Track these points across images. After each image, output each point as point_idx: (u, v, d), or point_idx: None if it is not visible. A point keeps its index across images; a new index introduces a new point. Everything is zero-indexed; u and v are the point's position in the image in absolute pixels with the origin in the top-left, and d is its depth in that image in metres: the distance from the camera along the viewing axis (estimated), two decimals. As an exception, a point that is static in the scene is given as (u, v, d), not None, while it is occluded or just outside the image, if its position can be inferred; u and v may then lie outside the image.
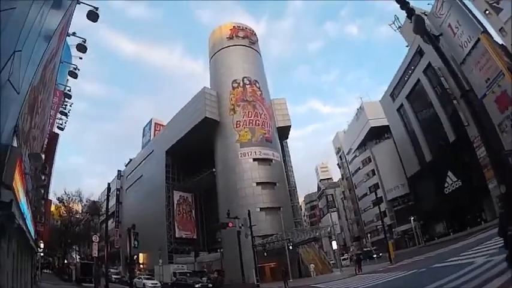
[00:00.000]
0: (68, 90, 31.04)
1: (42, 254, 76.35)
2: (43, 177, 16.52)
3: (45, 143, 26.93)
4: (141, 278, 45.56)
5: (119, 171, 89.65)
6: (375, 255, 54.48)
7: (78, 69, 27.64)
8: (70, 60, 28.29)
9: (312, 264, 44.33)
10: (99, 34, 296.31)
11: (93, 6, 18.68)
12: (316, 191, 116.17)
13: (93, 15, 18.72)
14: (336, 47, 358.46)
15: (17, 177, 8.45)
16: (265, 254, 42.63)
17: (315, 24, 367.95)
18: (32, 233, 18.48)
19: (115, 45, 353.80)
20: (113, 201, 71.37)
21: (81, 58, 26.26)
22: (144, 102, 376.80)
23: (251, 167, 53.97)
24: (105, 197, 68.84)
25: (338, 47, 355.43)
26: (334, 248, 52.95)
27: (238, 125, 56.75)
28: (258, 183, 53.00)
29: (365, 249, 68.54)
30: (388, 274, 24.49)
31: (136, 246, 18.61)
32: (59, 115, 34.54)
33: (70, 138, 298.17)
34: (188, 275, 41.78)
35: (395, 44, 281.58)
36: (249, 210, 41.17)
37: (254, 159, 54.48)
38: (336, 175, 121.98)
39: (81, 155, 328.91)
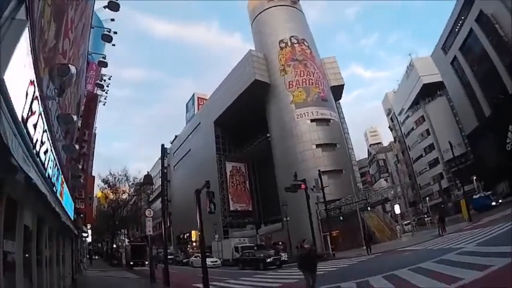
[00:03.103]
0: (102, 57, 28.42)
1: (90, 240, 76.32)
2: (76, 147, 13.45)
3: (83, 103, 24.32)
4: (198, 256, 40.84)
5: (164, 147, 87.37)
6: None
7: (115, 32, 24.92)
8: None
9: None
10: (132, 19, 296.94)
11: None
12: (367, 157, 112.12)
13: (113, 6, 18.34)
14: (373, 9, 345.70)
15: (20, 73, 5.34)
16: (341, 218, 39.36)
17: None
18: (70, 213, 15.79)
19: (149, 28, 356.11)
20: (160, 181, 69.63)
21: (114, 45, 24.99)
22: (185, 81, 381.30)
23: (309, 129, 51.08)
24: (155, 173, 67.90)
25: (375, 9, 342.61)
26: (397, 212, 49.84)
27: (291, 86, 53.85)
28: (317, 145, 50.20)
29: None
30: (484, 229, 21.85)
31: (213, 210, 16.13)
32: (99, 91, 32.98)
33: (114, 126, 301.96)
34: (255, 248, 37.10)
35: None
36: (319, 170, 38.52)
37: (312, 120, 51.58)
38: (386, 139, 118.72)
39: (126, 140, 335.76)
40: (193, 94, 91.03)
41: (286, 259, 30.99)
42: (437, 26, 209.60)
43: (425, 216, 57.60)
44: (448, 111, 66.73)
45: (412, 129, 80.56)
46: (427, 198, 70.98)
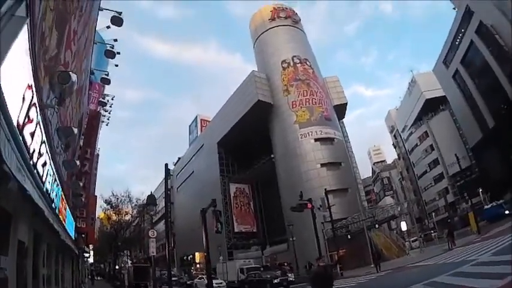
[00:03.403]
0: (105, 74, 28.49)
1: (92, 261, 75.23)
2: (77, 162, 13.03)
3: (85, 121, 24.14)
4: (202, 278, 40.53)
5: (168, 167, 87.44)
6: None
7: (118, 53, 25.12)
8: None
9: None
10: (132, 40, 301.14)
11: (116, 11, 17.67)
12: (371, 175, 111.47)
13: (117, 20, 17.69)
14: (372, 27, 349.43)
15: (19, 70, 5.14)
16: (349, 236, 38.61)
17: (348, 4, 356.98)
18: (71, 231, 15.35)
19: (148, 49, 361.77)
20: (163, 203, 69.20)
21: (116, 65, 25.11)
22: (186, 102, 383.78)
23: (313, 148, 50.66)
24: (158, 195, 67.44)
25: (374, 27, 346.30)
26: (403, 229, 49.02)
27: (294, 105, 53.70)
28: (322, 165, 49.64)
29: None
30: (494, 240, 21.49)
31: (220, 230, 15.76)
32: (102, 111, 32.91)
33: (114, 147, 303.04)
34: (262, 269, 36.32)
35: (433, 16, 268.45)
36: (325, 189, 38.31)
37: (316, 140, 51.18)
38: (390, 157, 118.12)
39: (126, 161, 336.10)
40: (196, 116, 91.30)
41: (293, 279, 30.35)
42: (437, 41, 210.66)
43: (432, 231, 56.85)
44: (452, 125, 66.35)
45: (416, 145, 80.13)
46: (433, 214, 70.27)
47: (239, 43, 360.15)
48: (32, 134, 5.92)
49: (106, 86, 29.75)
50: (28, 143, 5.72)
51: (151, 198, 21.51)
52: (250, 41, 70.66)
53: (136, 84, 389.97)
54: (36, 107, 6.02)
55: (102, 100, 29.64)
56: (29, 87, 5.55)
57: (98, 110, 30.24)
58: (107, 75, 25.63)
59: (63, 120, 11.44)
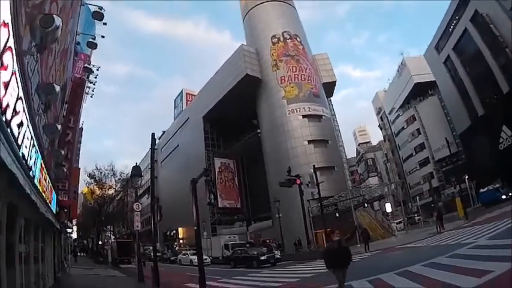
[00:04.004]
0: (92, 38, 27.31)
1: (75, 237, 74.18)
2: (59, 127, 11.92)
3: (69, 88, 22.98)
4: (187, 253, 40.65)
5: (154, 137, 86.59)
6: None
7: (104, 23, 24.33)
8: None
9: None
10: (122, 15, 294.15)
11: (98, 6, 18.17)
12: (355, 156, 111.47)
13: (98, 15, 18.38)
14: (365, 8, 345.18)
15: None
16: (337, 215, 38.29)
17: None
18: (53, 205, 14.36)
19: (138, 24, 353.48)
20: (146, 176, 68.22)
21: (103, 36, 25.25)
22: (174, 78, 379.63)
23: (301, 124, 50.27)
24: (143, 168, 66.29)
25: (367, 8, 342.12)
26: (388, 211, 49.29)
27: (283, 81, 53.05)
28: (309, 141, 49.42)
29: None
30: (486, 225, 21.22)
31: (213, 201, 15.50)
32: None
33: (100, 122, 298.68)
34: (248, 245, 36.13)
35: (427, 2, 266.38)
36: (314, 165, 37.57)
37: (304, 116, 50.76)
38: (375, 139, 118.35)
39: (113, 137, 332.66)
40: (182, 90, 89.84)
41: (280, 257, 29.87)
42: (428, 27, 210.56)
43: (416, 215, 57.12)
44: (440, 111, 66.25)
45: (403, 128, 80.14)
46: (418, 198, 70.52)
47: (229, 20, 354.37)
48: (6, 85, 5.07)
49: (92, 58, 28.75)
50: (1, 95, 4.87)
51: (136, 169, 20.42)
52: (240, 19, 69.05)
53: (124, 59, 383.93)
54: (12, 52, 5.16)
55: (88, 66, 28.20)
56: (5, 24, 4.70)
57: (83, 77, 28.91)
58: (94, 38, 24.48)
59: (45, 80, 10.42)
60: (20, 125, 6.34)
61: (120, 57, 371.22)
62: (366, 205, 39.31)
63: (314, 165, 37.62)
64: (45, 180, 11.42)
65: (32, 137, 7.77)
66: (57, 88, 9.51)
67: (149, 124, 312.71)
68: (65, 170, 20.08)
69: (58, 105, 15.88)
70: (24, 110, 6.56)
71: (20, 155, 6.57)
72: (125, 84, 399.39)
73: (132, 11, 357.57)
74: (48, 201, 12.80)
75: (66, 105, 23.00)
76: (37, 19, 7.34)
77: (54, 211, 16.25)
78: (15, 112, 5.80)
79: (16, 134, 6.07)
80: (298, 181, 32.70)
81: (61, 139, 20.88)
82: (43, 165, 10.67)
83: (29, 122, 7.29)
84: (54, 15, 7.49)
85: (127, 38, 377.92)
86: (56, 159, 16.60)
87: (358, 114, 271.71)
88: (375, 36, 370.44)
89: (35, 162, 8.62)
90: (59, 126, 10.76)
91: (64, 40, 13.94)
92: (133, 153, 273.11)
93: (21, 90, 6.08)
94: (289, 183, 33.24)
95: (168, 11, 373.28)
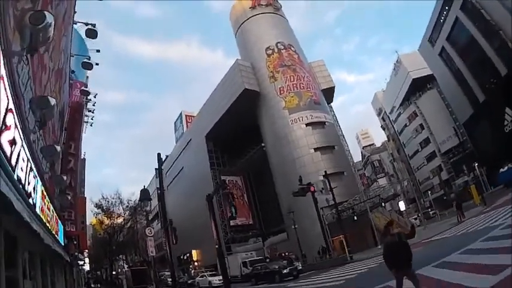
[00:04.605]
0: (87, 59, 26.96)
1: (88, 269, 73.11)
2: (58, 148, 11.22)
3: (66, 114, 22.45)
4: (204, 275, 39.51)
5: (156, 169, 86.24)
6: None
7: (97, 51, 25.04)
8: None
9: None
10: (113, 42, 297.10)
11: (91, 24, 17.54)
12: (361, 159, 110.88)
13: (91, 33, 17.61)
14: (352, 13, 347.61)
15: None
16: (355, 218, 37.49)
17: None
18: (60, 236, 13.76)
19: (130, 49, 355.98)
20: (154, 202, 67.38)
21: (97, 64, 24.08)
22: (170, 101, 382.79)
23: (305, 133, 49.72)
24: (150, 192, 65.54)
25: (354, 13, 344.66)
26: (401, 209, 48.32)
27: (282, 91, 52.71)
28: (316, 149, 48.75)
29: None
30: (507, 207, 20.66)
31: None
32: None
33: (100, 151, 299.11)
34: (268, 260, 35.41)
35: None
36: (325, 171, 37.02)
37: (307, 124, 50.17)
38: (378, 140, 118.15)
39: (113, 165, 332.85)
40: (181, 112, 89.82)
41: (301, 268, 29.09)
42: (416, 24, 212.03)
43: (429, 210, 56.14)
44: (440, 103, 65.76)
45: (406, 125, 79.80)
46: (429, 192, 69.49)
47: (220, 39, 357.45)
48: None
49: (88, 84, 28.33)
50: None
51: (144, 193, 19.81)
52: (231, 36, 69.23)
53: (118, 86, 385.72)
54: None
55: (85, 89, 27.48)
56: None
57: (81, 102, 28.30)
58: (89, 59, 24.09)
59: (37, 91, 9.74)
60: (13, 143, 5.70)
61: (114, 85, 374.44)
62: (383, 204, 38.51)
63: (326, 171, 36.97)
64: (48, 209, 10.79)
65: (28, 158, 7.14)
66: (53, 101, 8.82)
67: (150, 149, 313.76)
68: (69, 197, 19.45)
69: (57, 131, 15.34)
70: (16, 126, 5.93)
71: (15, 177, 5.91)
72: (121, 111, 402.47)
73: (123, 35, 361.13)
74: (54, 231, 12.13)
75: (65, 131, 22.48)
76: (26, 17, 6.69)
77: (63, 243, 15.56)
78: (4, 126, 5.17)
79: (8, 152, 5.42)
80: (312, 188, 31.91)
81: (63, 167, 20.31)
82: (44, 193, 10.02)
83: (24, 142, 6.67)
84: (45, 12, 6.84)
85: (120, 64, 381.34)
86: (58, 186, 16.02)
87: (356, 119, 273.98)
88: (365, 40, 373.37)
89: (34, 188, 7.98)
90: (58, 148, 10.07)
91: (58, 59, 13.47)
92: (136, 179, 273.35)
93: (11, 101, 5.46)
94: (303, 192, 32.54)
95: (159, 33, 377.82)
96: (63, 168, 20.07)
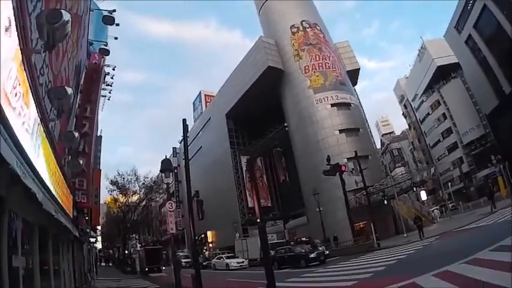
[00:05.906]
0: (104, 45, 26.11)
1: (99, 247, 72.73)
2: (69, 90, 9.77)
3: (82, 75, 21.44)
4: (222, 257, 38.02)
5: (174, 148, 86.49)
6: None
7: (115, 38, 25.56)
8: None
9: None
10: (132, 22, 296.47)
11: (109, 10, 17.45)
12: (380, 147, 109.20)
13: (109, 20, 17.76)
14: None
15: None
16: (385, 202, 36.39)
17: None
18: (66, 208, 11.95)
19: (148, 29, 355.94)
20: (170, 180, 66.10)
21: (116, 38, 24.60)
22: (188, 82, 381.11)
23: (330, 114, 48.18)
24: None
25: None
26: (423, 199, 47.37)
27: (307, 70, 51.11)
28: (341, 131, 47.20)
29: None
30: None
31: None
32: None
33: (117, 131, 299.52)
34: (292, 243, 33.73)
35: None
36: (355, 151, 35.86)
37: (332, 105, 48.58)
38: (398, 129, 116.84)
39: (130, 145, 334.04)
40: (200, 91, 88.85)
41: (328, 253, 27.86)
42: (441, 10, 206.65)
43: (449, 202, 55.20)
44: (464, 93, 64.08)
45: (428, 114, 78.19)
46: (449, 184, 68.13)
47: (239, 18, 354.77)
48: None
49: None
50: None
51: (166, 163, 18.23)
52: (251, 15, 67.75)
53: (136, 67, 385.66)
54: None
55: (105, 47, 25.57)
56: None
57: (100, 64, 26.63)
58: (106, 45, 23.36)
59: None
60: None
61: (131, 65, 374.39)
62: (414, 189, 37.36)
63: (356, 151, 35.77)
64: (53, 169, 9.41)
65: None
66: (69, 91, 8.75)
67: (167, 130, 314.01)
68: (81, 162, 17.93)
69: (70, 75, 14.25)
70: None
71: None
72: (139, 91, 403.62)
73: (140, 15, 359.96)
74: (60, 199, 10.53)
75: (81, 95, 21.39)
76: (43, 14, 6.70)
77: (71, 215, 14.11)
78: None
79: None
80: (344, 168, 30.76)
81: (77, 128, 19.16)
82: (49, 147, 8.68)
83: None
84: (62, 10, 6.93)
85: (137, 45, 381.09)
86: (69, 143, 14.20)
87: (376, 106, 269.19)
88: (386, 25, 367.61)
89: (32, 132, 6.60)
90: (69, 90, 8.76)
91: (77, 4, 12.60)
92: (149, 160, 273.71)
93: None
94: (333, 172, 31.29)
95: (177, 13, 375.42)
96: (76, 128, 18.71)
